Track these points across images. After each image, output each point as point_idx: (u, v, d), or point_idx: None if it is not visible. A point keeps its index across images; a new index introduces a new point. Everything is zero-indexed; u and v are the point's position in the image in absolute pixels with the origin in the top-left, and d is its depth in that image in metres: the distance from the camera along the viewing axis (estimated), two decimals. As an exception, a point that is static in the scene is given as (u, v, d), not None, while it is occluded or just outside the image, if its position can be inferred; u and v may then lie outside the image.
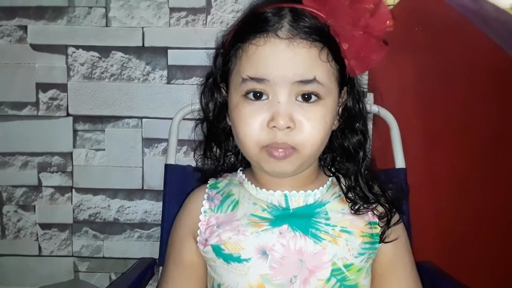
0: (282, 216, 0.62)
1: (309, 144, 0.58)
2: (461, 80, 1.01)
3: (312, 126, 0.58)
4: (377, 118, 0.94)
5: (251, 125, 0.58)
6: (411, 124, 0.99)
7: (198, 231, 0.64)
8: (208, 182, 0.70)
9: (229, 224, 0.62)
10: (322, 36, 0.58)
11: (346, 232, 0.61)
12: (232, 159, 0.73)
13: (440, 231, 1.03)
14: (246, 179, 0.67)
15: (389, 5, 0.97)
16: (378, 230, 0.63)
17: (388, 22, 0.58)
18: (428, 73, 1.01)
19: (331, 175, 0.67)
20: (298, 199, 0.63)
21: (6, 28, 1.03)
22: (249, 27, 0.59)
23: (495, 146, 1.02)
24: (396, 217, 0.65)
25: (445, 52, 1.00)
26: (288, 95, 0.57)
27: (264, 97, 0.58)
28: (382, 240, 0.63)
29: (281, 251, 0.60)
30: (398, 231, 0.65)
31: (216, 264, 0.62)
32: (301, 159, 0.59)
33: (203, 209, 0.65)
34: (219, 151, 0.72)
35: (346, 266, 0.60)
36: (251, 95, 0.58)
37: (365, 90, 0.71)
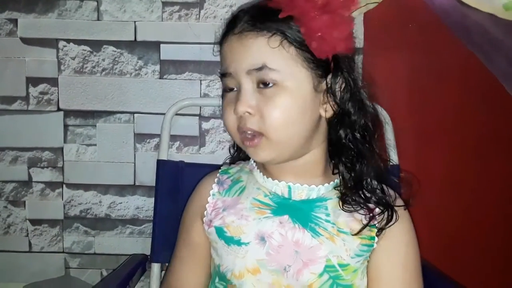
0: (283, 205, 0.64)
1: (272, 128, 0.59)
2: (455, 77, 1.01)
3: (272, 111, 0.59)
4: (370, 114, 0.94)
5: (227, 115, 0.63)
6: (405, 121, 0.99)
7: (205, 212, 0.68)
8: (221, 168, 0.73)
9: (234, 207, 0.65)
10: (270, 25, 0.60)
11: (344, 232, 0.62)
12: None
13: (433, 228, 1.03)
14: (256, 167, 0.69)
15: (375, 2, 0.96)
16: (374, 233, 0.63)
17: None
18: (422, 70, 1.01)
19: (337, 173, 0.67)
20: (301, 192, 0.64)
21: (-4, 21, 1.02)
22: (223, 33, 0.66)
23: (488, 143, 1.02)
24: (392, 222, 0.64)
25: (439, 49, 1.00)
26: (250, 84, 0.61)
27: (234, 89, 0.63)
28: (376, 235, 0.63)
29: (278, 239, 0.62)
30: (396, 241, 0.64)
31: (217, 245, 0.65)
32: (273, 145, 0.60)
33: (211, 192, 0.69)
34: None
35: (341, 265, 0.61)
36: (227, 89, 0.64)
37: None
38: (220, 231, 0.65)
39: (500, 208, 1.03)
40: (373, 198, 0.64)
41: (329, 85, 0.63)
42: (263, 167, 0.68)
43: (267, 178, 0.66)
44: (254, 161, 0.71)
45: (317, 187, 0.64)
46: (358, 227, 0.62)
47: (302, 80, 0.61)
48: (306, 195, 0.64)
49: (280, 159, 0.63)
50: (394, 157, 0.90)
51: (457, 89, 1.01)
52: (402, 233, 0.65)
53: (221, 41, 0.65)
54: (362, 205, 0.63)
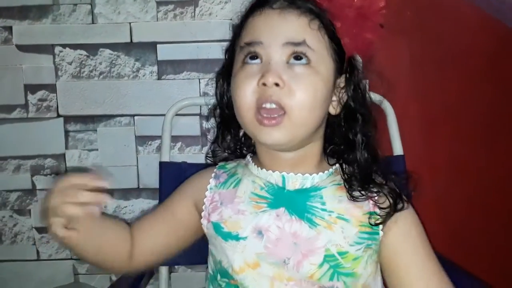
0: (279, 197, 0.64)
1: (298, 107, 0.59)
2: (457, 63, 0.99)
3: (301, 89, 0.59)
4: (372, 105, 0.93)
5: (245, 88, 0.60)
6: (408, 110, 0.98)
7: (204, 206, 0.67)
8: (218, 164, 0.73)
9: (231, 201, 0.65)
10: (313, 11, 0.62)
11: (343, 219, 0.61)
12: (244, 151, 0.75)
13: (440, 218, 1.02)
14: (251, 161, 0.69)
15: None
16: (378, 220, 0.62)
17: (381, 4, 0.62)
18: (423, 57, 1.00)
19: (334, 163, 0.67)
20: (295, 181, 0.64)
21: (-9, 30, 1.01)
22: (250, 8, 0.65)
23: (493, 130, 1.01)
24: (399, 207, 0.63)
25: (440, 35, 0.98)
26: (280, 57, 0.60)
27: (257, 60, 0.61)
28: (380, 223, 0.62)
29: (276, 232, 0.61)
30: (406, 225, 0.63)
31: (216, 241, 0.65)
32: (291, 126, 0.59)
33: (209, 186, 0.68)
34: (230, 138, 0.74)
35: (340, 254, 0.60)
36: (248, 60, 0.62)
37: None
38: (217, 227, 0.65)
39: (507, 195, 1.02)
40: (382, 185, 0.63)
41: (343, 84, 0.65)
42: (258, 160, 0.68)
43: (261, 169, 0.66)
44: (250, 156, 0.71)
45: (311, 175, 0.64)
46: (359, 214, 0.62)
47: (329, 69, 0.62)
48: (300, 184, 0.64)
49: (290, 144, 0.62)
50: (398, 148, 0.89)
51: (459, 76, 1.00)
52: (405, 215, 0.63)
53: (249, 13, 0.64)
54: (368, 190, 0.63)
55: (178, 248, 0.69)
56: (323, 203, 0.62)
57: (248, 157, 0.71)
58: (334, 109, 0.65)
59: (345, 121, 0.67)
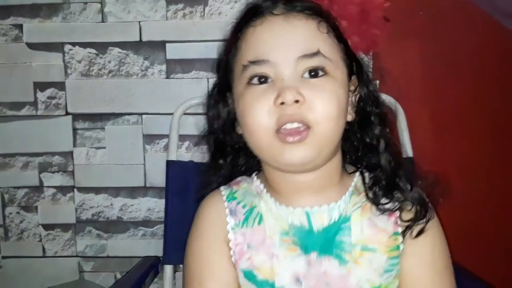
0: (309, 241, 0.57)
1: (322, 119, 0.53)
2: (468, 64, 0.98)
3: (323, 100, 0.53)
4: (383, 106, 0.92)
5: (258, 110, 0.53)
6: (418, 112, 0.96)
7: (231, 251, 0.59)
8: (222, 191, 0.63)
9: (262, 243, 0.58)
10: (318, 12, 0.56)
11: (368, 250, 0.57)
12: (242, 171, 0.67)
13: (451, 221, 1.00)
14: (264, 190, 0.61)
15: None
16: (401, 240, 0.57)
17: None
18: (434, 58, 0.99)
19: (355, 171, 0.62)
20: (322, 215, 0.57)
21: (2, 27, 1.02)
22: (245, 16, 0.58)
23: (505, 133, 0.99)
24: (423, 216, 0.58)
25: (451, 36, 0.97)
26: (293, 72, 0.53)
27: (268, 80, 0.54)
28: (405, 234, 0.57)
29: (312, 279, 0.56)
30: (426, 245, 0.58)
31: None
32: (318, 140, 0.53)
33: (229, 226, 0.59)
34: (225, 165, 0.66)
35: None
36: (255, 81, 0.55)
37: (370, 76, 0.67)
38: (250, 275, 0.57)
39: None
40: (408, 191, 0.58)
41: (354, 86, 0.59)
42: (274, 189, 0.60)
43: (280, 205, 0.58)
44: (260, 182, 0.62)
45: (336, 203, 0.58)
46: (385, 238, 0.57)
47: (344, 73, 0.57)
48: (328, 217, 0.57)
49: (314, 162, 0.55)
50: (408, 150, 0.88)
51: (471, 77, 0.98)
52: (427, 236, 0.58)
53: (247, 22, 0.57)
54: (393, 198, 0.57)
55: None
56: (351, 236, 0.57)
57: (258, 182, 0.62)
58: (350, 115, 0.59)
59: (360, 125, 0.61)
